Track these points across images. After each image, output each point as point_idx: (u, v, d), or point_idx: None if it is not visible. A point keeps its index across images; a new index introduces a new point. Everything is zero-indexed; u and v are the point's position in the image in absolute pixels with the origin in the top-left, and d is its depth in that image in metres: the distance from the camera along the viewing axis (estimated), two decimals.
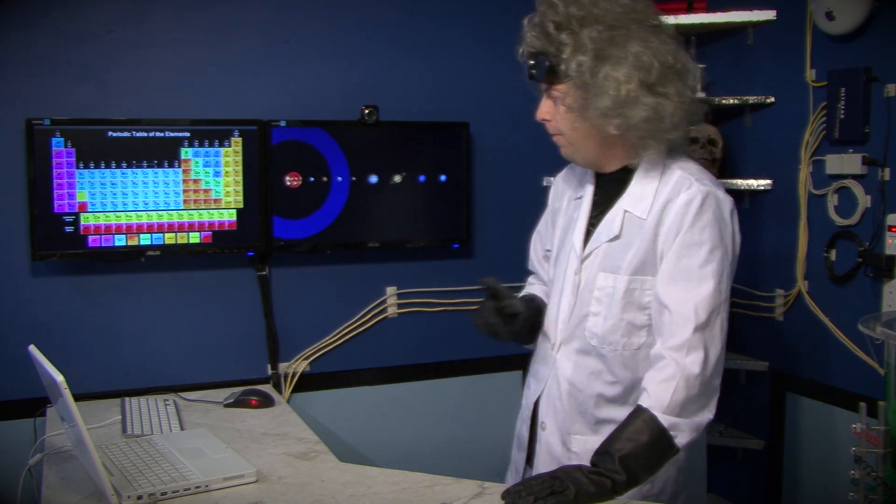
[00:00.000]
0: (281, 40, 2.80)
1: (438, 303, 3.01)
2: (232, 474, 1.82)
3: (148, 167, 2.60)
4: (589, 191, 1.85)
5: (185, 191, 2.65)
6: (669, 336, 1.64)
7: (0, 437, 2.56)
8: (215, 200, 2.68)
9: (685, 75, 1.70)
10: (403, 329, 3.01)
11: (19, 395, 2.53)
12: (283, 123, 2.74)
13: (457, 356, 3.08)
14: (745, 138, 2.95)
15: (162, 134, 2.61)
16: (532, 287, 2.09)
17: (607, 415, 1.77)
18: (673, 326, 1.64)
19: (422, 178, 2.91)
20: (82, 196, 2.54)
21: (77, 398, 1.67)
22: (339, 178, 2.82)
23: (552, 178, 3.00)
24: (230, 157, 2.69)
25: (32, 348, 1.82)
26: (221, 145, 2.67)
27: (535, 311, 1.94)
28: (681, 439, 1.61)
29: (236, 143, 2.69)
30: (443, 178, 2.94)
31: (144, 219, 2.61)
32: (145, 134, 2.60)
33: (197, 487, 1.76)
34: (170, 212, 2.64)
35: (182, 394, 2.62)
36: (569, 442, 1.80)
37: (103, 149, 2.55)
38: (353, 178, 2.83)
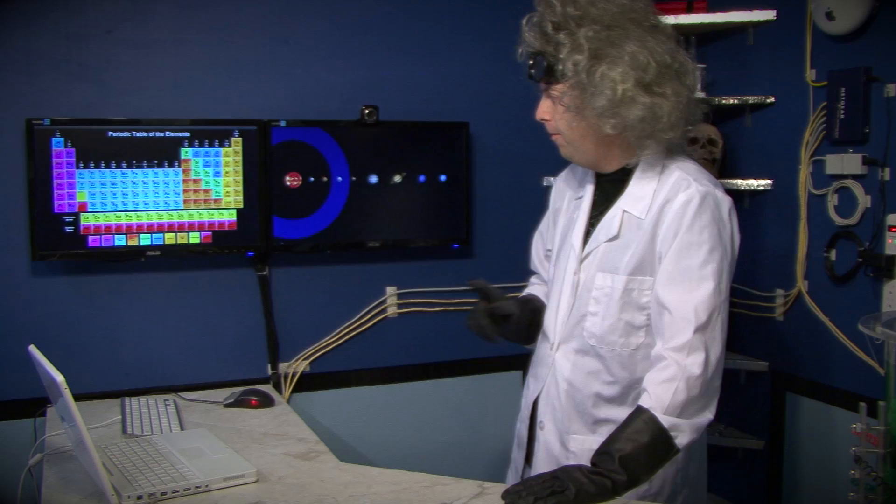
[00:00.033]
0: (281, 40, 2.80)
1: (438, 303, 3.01)
2: (232, 474, 1.82)
3: (148, 167, 2.60)
4: (589, 191, 1.86)
5: (185, 191, 2.65)
6: (670, 337, 1.64)
7: (0, 437, 2.55)
8: (215, 200, 2.68)
9: (683, 75, 1.70)
10: (403, 329, 3.01)
11: (19, 395, 2.54)
12: (283, 123, 2.74)
13: (457, 356, 3.08)
14: (745, 138, 2.95)
15: (162, 134, 2.61)
16: (532, 287, 2.09)
17: (605, 415, 1.78)
18: (673, 328, 1.64)
19: (422, 178, 2.91)
20: (82, 196, 2.54)
21: (77, 398, 1.67)
22: (339, 178, 2.82)
23: (552, 179, 3.01)
24: (230, 157, 2.69)
25: (32, 348, 1.82)
26: (221, 145, 2.67)
27: (532, 311, 1.95)
28: (681, 440, 1.61)
29: (236, 143, 2.69)
30: (443, 178, 2.94)
31: (144, 219, 2.61)
32: (145, 134, 2.60)
33: (197, 487, 1.76)
34: (170, 212, 2.64)
35: (182, 394, 2.62)
36: (567, 441, 1.81)
37: (103, 149, 2.55)
38: (353, 178, 2.83)
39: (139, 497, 1.70)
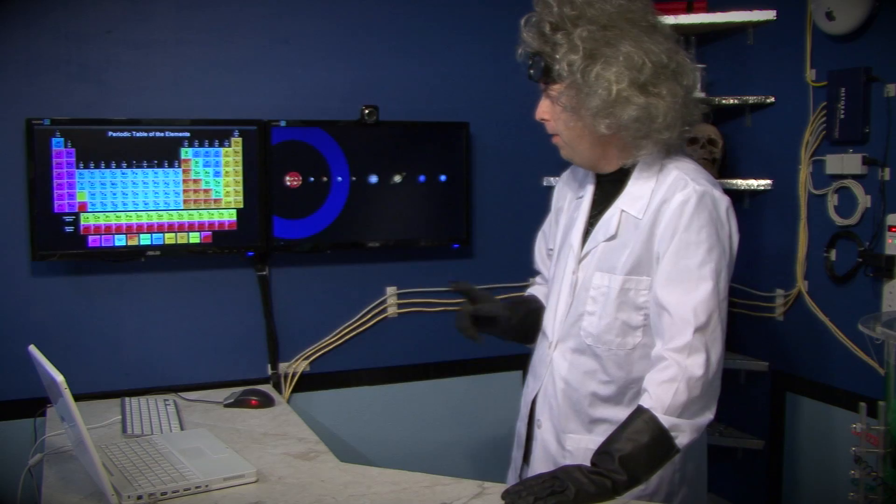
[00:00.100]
0: (281, 40, 2.80)
1: (438, 303, 3.01)
2: (232, 474, 1.82)
3: (148, 167, 2.60)
4: (589, 191, 1.86)
5: (185, 191, 2.65)
6: (670, 338, 1.64)
7: (0, 437, 2.56)
8: (215, 200, 2.68)
9: (680, 75, 1.70)
10: (403, 329, 3.01)
11: (19, 395, 2.54)
12: (283, 123, 2.74)
13: (457, 356, 3.08)
14: (745, 138, 2.95)
15: (162, 134, 2.61)
16: (534, 287, 2.10)
17: (601, 414, 1.78)
18: (673, 329, 1.64)
19: (422, 178, 2.91)
20: (82, 196, 2.54)
21: (77, 398, 1.67)
22: (339, 178, 2.82)
23: (552, 179, 3.03)
24: (230, 157, 2.69)
25: (32, 348, 1.82)
26: (221, 145, 2.67)
27: (528, 312, 1.97)
28: (682, 440, 1.61)
29: (236, 143, 2.69)
30: (443, 178, 2.94)
31: (144, 219, 2.61)
32: (145, 134, 2.60)
33: (197, 487, 1.76)
34: (170, 212, 2.64)
35: (182, 394, 2.62)
36: (563, 440, 1.81)
37: (103, 149, 2.55)
38: (353, 178, 2.83)
39: (139, 497, 1.70)
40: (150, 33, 2.65)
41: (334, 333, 2.93)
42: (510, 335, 1.98)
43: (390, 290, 2.99)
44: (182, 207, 2.65)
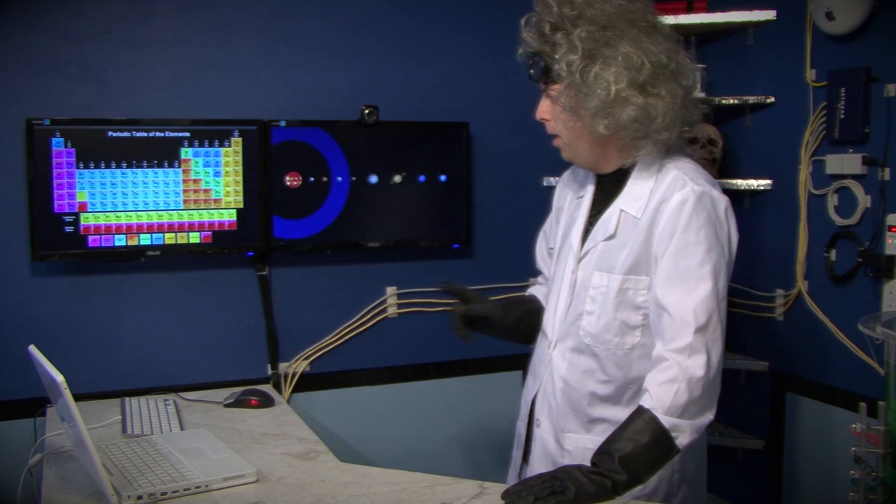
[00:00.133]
0: (281, 40, 2.80)
1: (438, 303, 3.01)
2: (232, 474, 1.82)
3: (148, 167, 2.60)
4: (590, 191, 1.87)
5: (185, 191, 2.65)
6: (671, 339, 1.64)
7: (0, 437, 2.56)
8: (215, 200, 2.68)
9: (679, 75, 1.70)
10: (403, 329, 3.01)
11: (19, 395, 2.54)
12: (283, 123, 2.74)
13: (457, 356, 3.08)
14: (745, 138, 2.95)
15: (162, 134, 2.61)
16: (534, 287, 2.10)
17: (600, 414, 1.78)
18: (673, 329, 1.64)
19: (422, 178, 2.91)
20: (82, 196, 2.54)
21: (77, 398, 1.67)
22: (339, 178, 2.82)
23: (552, 179, 3.03)
24: (230, 157, 2.69)
25: (32, 348, 1.82)
26: (221, 145, 2.67)
27: (525, 313, 1.99)
28: (682, 440, 1.61)
29: (236, 143, 2.69)
30: (443, 178, 2.94)
31: (144, 219, 2.61)
32: (145, 134, 2.60)
33: (197, 487, 1.76)
34: (170, 212, 2.64)
35: (182, 394, 2.62)
36: (562, 440, 1.81)
37: (103, 149, 2.55)
38: (353, 178, 2.83)
39: (139, 497, 1.70)
40: (150, 33, 2.65)
41: (334, 333, 2.93)
42: (507, 335, 2.00)
43: (390, 290, 2.99)
44: (182, 207, 2.65)
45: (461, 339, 1.92)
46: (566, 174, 2.00)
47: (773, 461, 2.87)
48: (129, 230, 2.60)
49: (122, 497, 1.69)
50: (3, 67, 2.52)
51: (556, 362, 1.83)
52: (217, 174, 2.68)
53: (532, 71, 1.74)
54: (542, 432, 1.86)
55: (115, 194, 2.58)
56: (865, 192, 2.50)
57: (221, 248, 2.70)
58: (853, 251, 2.53)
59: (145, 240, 2.62)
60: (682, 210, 1.67)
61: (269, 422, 2.36)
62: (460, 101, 3.00)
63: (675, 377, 1.61)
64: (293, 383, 2.87)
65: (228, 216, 2.70)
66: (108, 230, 2.58)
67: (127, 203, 2.59)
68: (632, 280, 1.72)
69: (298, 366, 2.88)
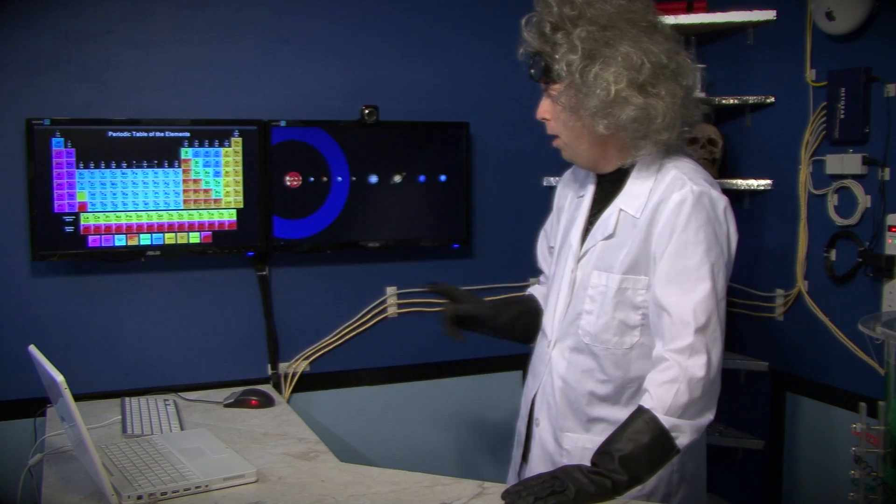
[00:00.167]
0: (281, 40, 2.80)
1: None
2: (232, 474, 1.82)
3: (148, 167, 2.60)
4: (590, 190, 1.87)
5: (185, 191, 2.65)
6: (671, 339, 1.64)
7: (0, 437, 2.56)
8: (215, 200, 2.68)
9: (680, 75, 1.70)
10: (403, 329, 3.01)
11: (19, 395, 2.54)
12: (283, 123, 2.74)
13: (457, 356, 3.07)
14: (745, 138, 2.95)
15: (162, 134, 2.61)
16: (533, 287, 2.11)
17: (599, 413, 1.78)
18: (673, 330, 1.64)
19: (422, 178, 2.91)
20: (82, 196, 2.54)
21: (77, 398, 1.67)
22: (339, 178, 2.82)
23: (552, 179, 3.03)
24: (230, 157, 2.69)
25: (32, 348, 1.82)
26: (221, 145, 2.67)
27: (521, 312, 2.00)
28: (682, 440, 1.61)
29: (236, 143, 2.69)
30: (443, 178, 2.94)
31: (144, 219, 2.61)
32: (145, 134, 2.60)
33: (197, 487, 1.76)
34: (170, 212, 2.64)
35: (182, 394, 2.62)
36: (561, 439, 1.81)
37: (103, 149, 2.55)
38: (353, 178, 2.83)
39: (139, 497, 1.70)
40: (150, 33, 2.65)
41: (334, 333, 2.93)
42: (503, 335, 2.01)
43: (390, 290, 2.98)
44: (182, 207, 2.65)
45: (452, 339, 1.93)
46: (567, 174, 2.00)
47: (773, 461, 2.87)
48: (129, 230, 2.60)
49: (122, 497, 1.69)
50: (3, 67, 2.52)
51: (555, 361, 1.84)
52: (217, 174, 2.68)
53: (532, 71, 1.75)
54: (542, 431, 1.86)
55: (115, 194, 2.58)
56: (865, 192, 2.50)
57: (221, 248, 2.70)
58: (853, 251, 2.53)
59: (145, 240, 2.62)
60: (680, 210, 1.67)
61: (269, 422, 2.36)
62: (460, 101, 3.00)
63: (675, 377, 1.61)
64: (293, 383, 2.87)
65: (228, 216, 2.70)
66: (108, 230, 2.58)
67: (127, 203, 2.59)
68: (630, 280, 1.72)
69: (298, 366, 2.88)
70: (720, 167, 2.92)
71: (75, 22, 2.58)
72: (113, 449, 1.97)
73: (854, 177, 2.52)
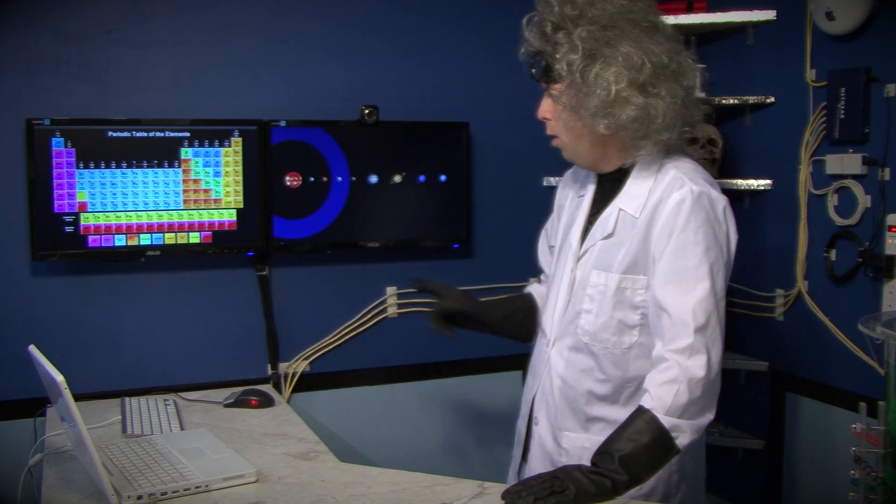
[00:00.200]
0: (281, 40, 2.80)
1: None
2: (232, 474, 1.82)
3: (148, 167, 2.60)
4: (590, 190, 1.87)
5: (185, 191, 2.65)
6: (671, 340, 1.64)
7: (0, 437, 2.55)
8: (215, 200, 2.68)
9: (680, 76, 1.70)
10: (403, 329, 3.01)
11: (19, 395, 2.53)
12: (283, 123, 2.74)
13: (457, 356, 3.08)
14: (745, 138, 2.95)
15: (162, 134, 2.61)
16: (532, 285, 2.11)
17: (597, 413, 1.78)
18: (673, 330, 1.64)
19: (422, 178, 2.91)
20: (82, 196, 2.54)
21: (77, 398, 1.67)
22: (339, 178, 2.82)
23: (552, 179, 3.03)
24: (230, 157, 2.69)
25: (32, 348, 1.82)
26: (221, 145, 2.67)
27: (516, 309, 2.02)
28: (682, 440, 1.61)
29: (236, 143, 2.69)
30: (443, 178, 2.94)
31: (144, 219, 2.61)
32: (145, 134, 2.60)
33: (197, 487, 1.76)
34: (170, 212, 2.64)
35: (182, 394, 2.62)
36: (560, 438, 1.82)
37: (103, 149, 2.55)
38: (353, 178, 2.83)
39: (139, 497, 1.70)
40: (150, 33, 2.65)
41: (334, 333, 2.93)
42: (497, 332, 2.03)
43: (390, 290, 2.98)
44: (182, 207, 2.65)
45: (442, 335, 1.96)
46: (568, 173, 2.00)
47: (773, 461, 2.87)
48: (129, 230, 2.60)
49: (122, 497, 1.69)
50: (3, 67, 2.52)
51: (554, 361, 1.84)
52: (217, 174, 2.68)
53: (533, 70, 1.75)
54: (540, 430, 1.86)
55: (115, 194, 2.58)
56: (865, 192, 2.50)
57: (221, 248, 2.70)
58: (853, 251, 2.53)
59: (145, 240, 2.62)
60: (680, 210, 1.67)
61: (269, 422, 2.36)
62: (460, 101, 3.00)
63: (675, 377, 1.61)
64: (293, 383, 2.87)
65: (228, 216, 2.70)
66: (108, 230, 2.58)
67: (127, 203, 2.59)
68: (629, 279, 1.72)
69: (298, 366, 2.88)
70: (720, 167, 2.92)
71: (75, 22, 2.57)
72: (113, 449, 1.97)
73: (854, 177, 2.52)
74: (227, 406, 2.50)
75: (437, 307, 1.97)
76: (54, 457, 2.01)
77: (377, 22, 2.90)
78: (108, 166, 2.56)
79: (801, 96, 2.70)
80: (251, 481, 1.82)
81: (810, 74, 2.67)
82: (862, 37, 2.49)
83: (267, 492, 1.78)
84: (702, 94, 2.76)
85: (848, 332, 2.56)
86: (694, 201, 1.66)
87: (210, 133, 2.66)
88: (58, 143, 2.51)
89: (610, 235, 1.76)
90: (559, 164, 1.95)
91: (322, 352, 2.92)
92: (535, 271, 2.11)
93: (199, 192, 2.66)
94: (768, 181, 2.84)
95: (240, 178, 2.70)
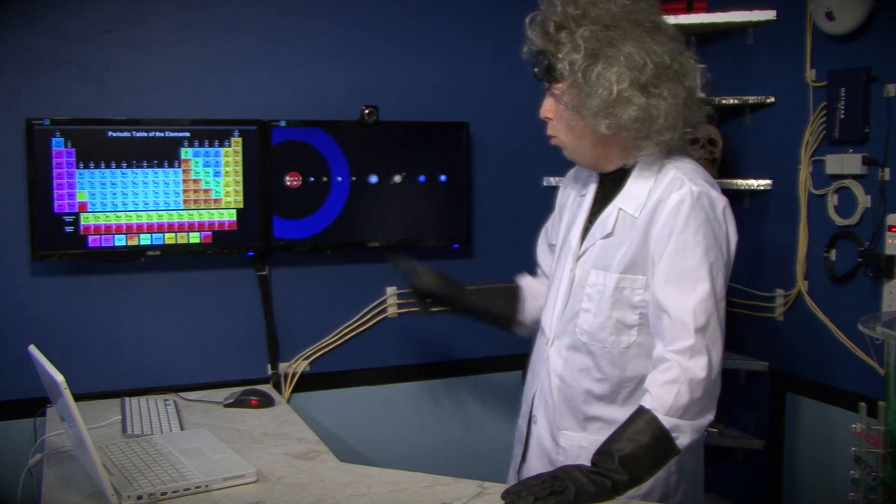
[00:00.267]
0: (281, 40, 2.80)
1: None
2: (232, 474, 1.82)
3: (148, 167, 2.60)
4: (592, 189, 1.87)
5: (185, 191, 2.65)
6: (671, 340, 1.64)
7: (0, 437, 2.55)
8: (215, 200, 2.68)
9: (683, 76, 1.70)
10: (403, 329, 3.01)
11: (19, 395, 2.53)
12: (283, 123, 2.74)
13: (457, 356, 3.08)
14: (745, 138, 2.95)
15: (162, 134, 2.61)
16: (524, 277, 2.14)
17: (595, 412, 1.79)
18: (674, 331, 1.64)
19: (422, 178, 2.91)
20: (82, 196, 2.54)
21: (77, 398, 1.67)
22: (339, 178, 2.82)
23: (552, 179, 3.03)
24: (230, 157, 2.69)
25: (32, 348, 1.82)
26: (221, 145, 2.67)
27: (501, 299, 2.10)
28: (682, 441, 1.61)
29: (236, 143, 2.69)
30: (443, 178, 2.94)
31: (144, 219, 2.61)
32: (145, 134, 2.60)
33: (197, 487, 1.76)
34: (170, 212, 2.64)
35: (182, 394, 2.62)
36: (558, 437, 1.82)
37: (103, 149, 2.55)
38: (353, 178, 2.83)
39: (139, 497, 1.70)
40: (150, 33, 2.65)
41: (334, 333, 2.93)
42: (477, 318, 2.13)
43: (390, 290, 2.98)
44: (182, 207, 2.65)
45: (422, 316, 2.11)
46: (570, 173, 2.01)
47: (773, 461, 2.87)
48: (129, 230, 2.60)
49: (122, 497, 1.69)
50: (3, 67, 2.52)
51: (552, 359, 1.84)
52: (217, 174, 2.68)
53: (536, 69, 1.75)
54: (539, 429, 1.87)
55: (115, 194, 2.58)
56: (865, 192, 2.50)
57: (221, 248, 2.70)
58: (853, 251, 2.53)
59: (145, 240, 2.62)
60: (679, 210, 1.67)
61: (269, 422, 2.36)
62: (460, 101, 3.00)
63: (676, 378, 1.61)
64: (293, 383, 2.87)
65: (228, 216, 2.70)
66: (108, 230, 2.58)
67: (127, 203, 2.59)
68: (628, 279, 1.72)
69: (298, 366, 2.88)
70: (720, 167, 2.92)
71: (75, 22, 2.57)
72: (113, 449, 1.97)
73: (854, 177, 2.52)
74: (227, 406, 2.50)
75: (412, 286, 2.07)
76: (54, 457, 2.01)
77: (377, 22, 2.90)
78: (108, 166, 2.56)
79: (801, 96, 2.70)
80: (251, 481, 1.82)
81: (810, 74, 2.67)
82: (862, 37, 2.49)
83: (267, 492, 1.78)
84: (701, 94, 2.77)
85: (848, 332, 2.56)
86: (694, 202, 1.67)
87: (210, 133, 2.66)
88: (58, 143, 2.51)
89: (609, 235, 1.76)
90: (559, 164, 1.95)
91: (322, 352, 2.92)
92: (535, 270, 2.11)
93: (199, 192, 2.66)
94: (768, 181, 2.84)
95: (240, 178, 2.70)
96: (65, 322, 2.62)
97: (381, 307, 2.98)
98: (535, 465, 1.86)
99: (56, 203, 2.51)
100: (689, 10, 2.88)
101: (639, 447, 1.58)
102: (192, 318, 2.76)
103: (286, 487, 1.81)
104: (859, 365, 2.51)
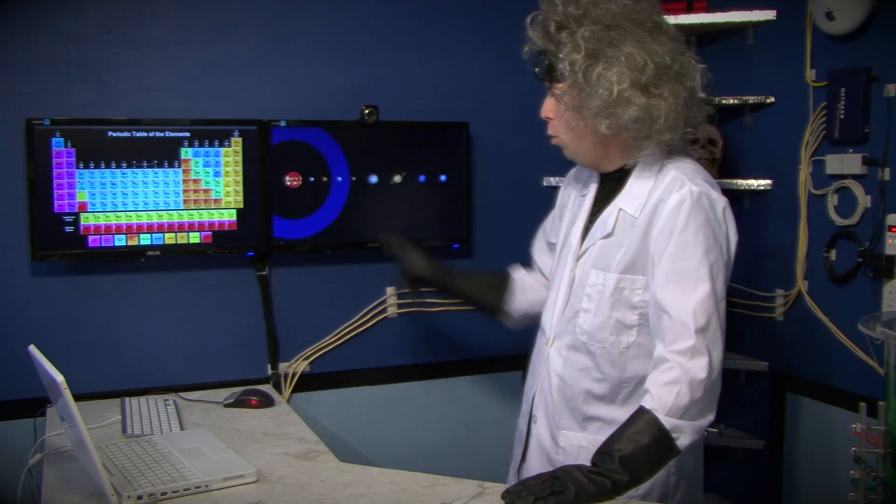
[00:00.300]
0: (281, 40, 2.80)
1: (438, 303, 3.01)
2: (232, 474, 1.82)
3: (148, 167, 2.60)
4: (592, 189, 1.88)
5: (185, 191, 2.65)
6: (672, 341, 1.64)
7: (0, 437, 2.55)
8: (215, 200, 2.68)
9: (684, 76, 1.70)
10: (403, 329, 3.01)
11: (19, 395, 2.53)
12: (283, 123, 2.74)
13: (457, 356, 3.08)
14: (745, 138, 2.95)
15: (162, 134, 2.61)
16: (517, 270, 2.15)
17: (595, 412, 1.79)
18: (674, 331, 1.64)
19: (422, 178, 2.91)
20: (82, 196, 2.54)
21: (77, 398, 1.67)
22: (339, 178, 2.82)
23: (552, 179, 3.03)
24: (230, 157, 2.69)
25: (32, 348, 1.82)
26: (221, 145, 2.67)
27: (488, 288, 2.13)
28: (682, 441, 1.61)
29: (236, 143, 2.69)
30: (443, 178, 2.94)
31: (144, 219, 2.61)
32: (145, 134, 2.60)
33: (197, 487, 1.76)
34: (170, 212, 2.64)
35: (182, 394, 2.62)
36: (557, 437, 1.82)
37: (103, 149, 2.55)
38: (353, 178, 2.83)
39: (139, 497, 1.70)
40: (150, 33, 2.65)
41: (334, 333, 2.93)
42: (465, 302, 2.18)
43: (390, 290, 2.98)
44: (182, 207, 2.65)
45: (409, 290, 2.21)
46: (571, 172, 2.01)
47: (773, 461, 2.87)
48: (129, 230, 2.60)
49: (122, 497, 1.69)
50: (3, 67, 2.52)
51: (552, 359, 1.85)
52: (217, 174, 2.68)
53: (537, 69, 1.75)
54: (539, 429, 1.87)
55: (115, 194, 2.58)
56: (865, 192, 2.50)
57: (221, 248, 2.70)
58: (853, 251, 2.53)
59: (145, 240, 2.62)
60: (679, 210, 1.67)
61: (269, 422, 2.36)
62: (460, 101, 3.00)
63: (676, 378, 1.61)
64: (293, 383, 2.87)
65: (228, 216, 2.70)
66: (108, 230, 2.58)
67: (127, 203, 2.59)
68: (628, 279, 1.72)
69: (298, 366, 2.88)
70: (720, 167, 2.92)
71: (75, 22, 2.57)
72: (113, 449, 1.97)
73: (854, 177, 2.52)
74: (227, 406, 2.50)
75: (400, 268, 2.11)
76: (54, 457, 2.02)
77: (377, 22, 2.90)
78: (108, 166, 2.56)
79: (801, 96, 2.70)
80: (251, 481, 1.82)
81: (810, 74, 2.67)
82: (862, 37, 2.49)
83: (267, 492, 1.78)
84: (703, 95, 2.77)
85: (848, 332, 2.56)
86: (694, 202, 1.67)
87: (210, 133, 2.66)
88: (58, 143, 2.51)
89: (609, 235, 1.76)
90: (559, 164, 1.95)
91: (322, 352, 2.92)
92: (530, 265, 2.12)
93: (199, 192, 2.66)
94: (768, 181, 2.84)
95: (240, 178, 2.70)
96: (65, 322, 2.62)
97: (381, 307, 2.98)
98: (535, 465, 1.86)
99: (56, 203, 2.51)
100: (689, 10, 2.88)
101: (639, 447, 1.58)
102: (192, 318, 2.76)
103: (286, 487, 1.81)
104: (859, 365, 2.51)
